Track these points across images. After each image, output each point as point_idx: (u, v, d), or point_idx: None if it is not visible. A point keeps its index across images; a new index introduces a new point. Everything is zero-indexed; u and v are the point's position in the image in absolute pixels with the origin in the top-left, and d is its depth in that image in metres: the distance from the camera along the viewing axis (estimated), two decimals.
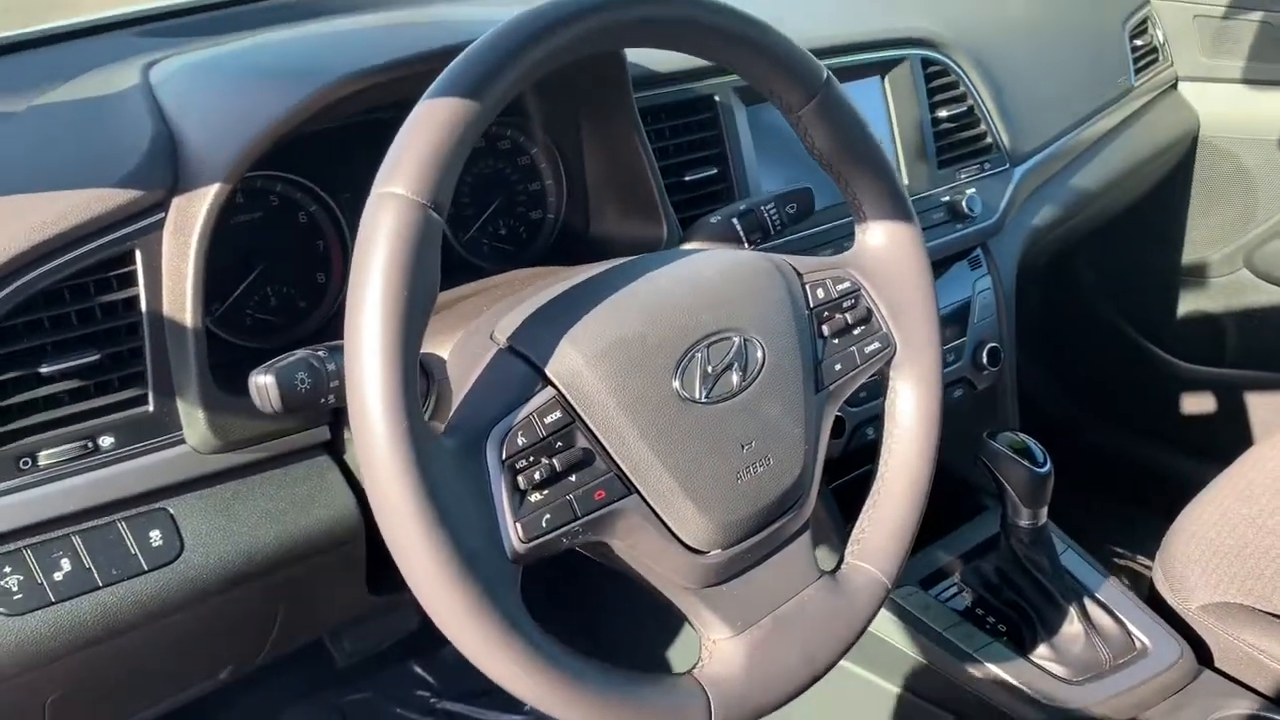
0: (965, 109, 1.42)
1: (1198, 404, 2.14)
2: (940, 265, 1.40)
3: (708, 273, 0.83)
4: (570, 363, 0.74)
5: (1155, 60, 1.91)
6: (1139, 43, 1.87)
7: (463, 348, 0.81)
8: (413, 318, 0.64)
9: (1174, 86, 1.96)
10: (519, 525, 0.69)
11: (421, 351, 0.84)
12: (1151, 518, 1.47)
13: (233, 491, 0.91)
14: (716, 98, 1.20)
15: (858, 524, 0.92)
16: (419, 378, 0.83)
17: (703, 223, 1.02)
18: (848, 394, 0.90)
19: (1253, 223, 1.96)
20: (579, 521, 0.72)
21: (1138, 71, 1.83)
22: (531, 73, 0.70)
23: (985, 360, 1.41)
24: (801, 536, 0.86)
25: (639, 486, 0.75)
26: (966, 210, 1.38)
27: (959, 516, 1.43)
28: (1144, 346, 2.15)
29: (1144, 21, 1.90)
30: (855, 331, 0.90)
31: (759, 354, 0.81)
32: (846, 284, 0.91)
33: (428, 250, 0.65)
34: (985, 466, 1.27)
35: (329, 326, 1.04)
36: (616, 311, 0.78)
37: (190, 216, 0.85)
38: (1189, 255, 2.06)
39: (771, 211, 1.02)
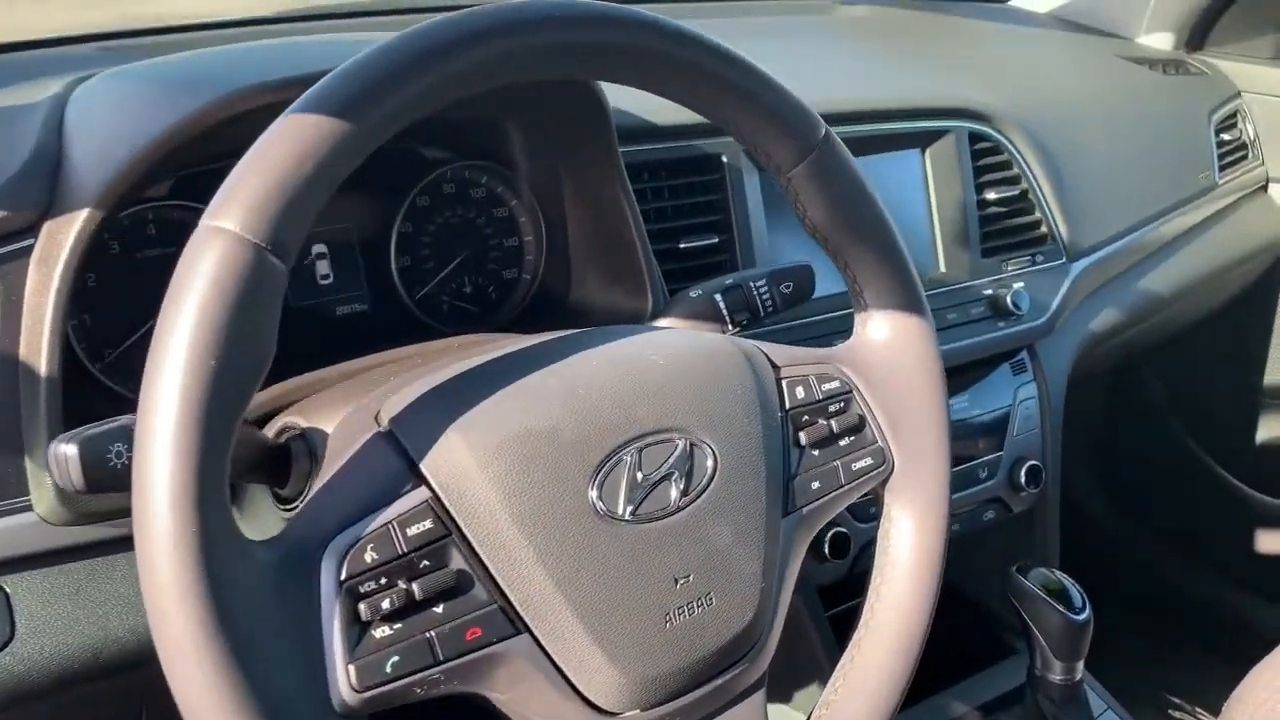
0: (1017, 192, 1.26)
1: (1275, 543, 1.90)
2: (978, 367, 1.23)
3: (656, 356, 0.68)
4: (455, 457, 0.58)
5: (1244, 158, 1.72)
6: (1226, 137, 1.68)
7: (345, 427, 0.65)
8: (223, 386, 0.49)
9: (1264, 188, 1.77)
10: (353, 668, 0.53)
11: (309, 426, 0.71)
12: (1216, 668, 1.27)
13: (86, 572, 0.77)
14: (724, 158, 1.06)
15: (830, 681, 0.74)
16: (303, 457, 0.69)
17: (681, 297, 0.87)
18: (827, 518, 0.73)
19: None
20: (441, 667, 0.56)
21: (1223, 169, 1.65)
22: (428, 97, 0.56)
23: (1024, 480, 1.22)
24: (752, 696, 0.69)
25: (531, 624, 0.59)
26: (1012, 307, 1.20)
27: (982, 658, 1.24)
28: (1217, 474, 1.93)
29: (1233, 115, 1.72)
30: (842, 442, 0.74)
31: (709, 463, 0.65)
32: (835, 383, 0.75)
33: (258, 302, 0.51)
34: (1013, 607, 1.08)
35: None
36: (528, 397, 0.62)
37: (57, 245, 0.72)
38: (1271, 376, 1.84)
39: (763, 289, 0.86)
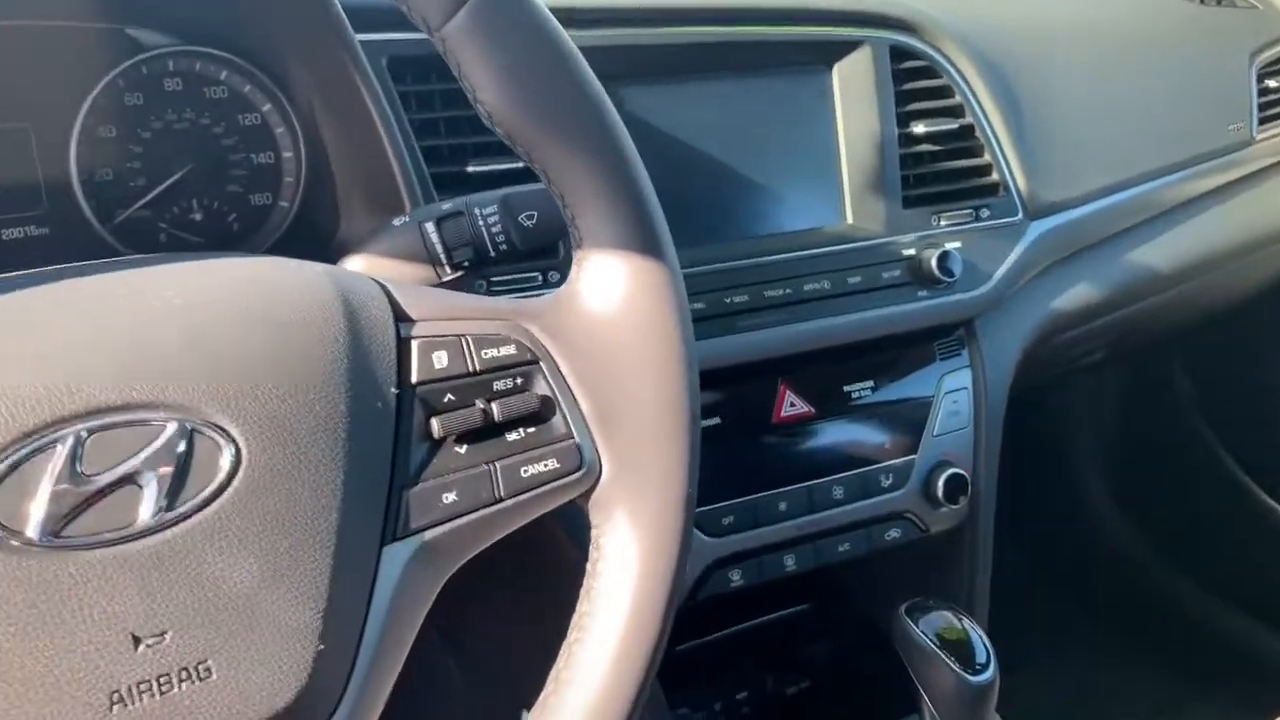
0: (956, 127, 0.99)
1: None
2: (891, 346, 0.97)
3: (175, 295, 0.45)
4: None
5: None
6: (1273, 84, 1.37)
7: None
8: None
9: None
10: None
11: None
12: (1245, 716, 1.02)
13: None
14: None
15: None
16: None
17: (383, 226, 0.64)
18: (475, 548, 0.50)
19: None
20: None
21: (1263, 122, 1.34)
22: None
23: (942, 492, 0.96)
24: None
25: None
26: (937, 271, 0.94)
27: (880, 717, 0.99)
28: (1251, 492, 1.62)
29: None
30: (510, 436, 0.50)
31: (223, 460, 0.42)
32: (510, 349, 0.51)
33: None
34: (897, 657, 0.84)
35: None
36: None
37: None
38: None
39: (493, 219, 0.62)
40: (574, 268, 0.53)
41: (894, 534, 0.96)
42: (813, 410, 0.93)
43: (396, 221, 0.63)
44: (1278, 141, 1.37)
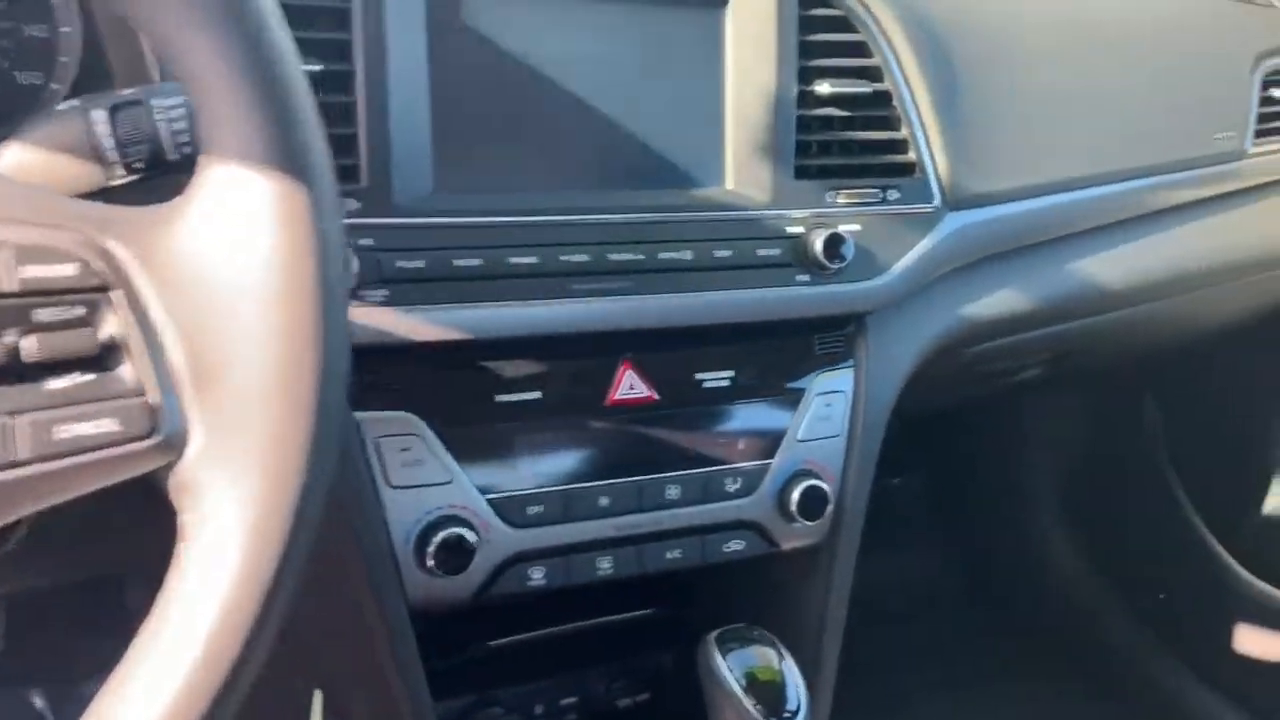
0: (870, 91, 0.86)
1: (1272, 644, 1.46)
2: (760, 334, 0.84)
3: None
4: None
5: None
6: (1276, 94, 1.22)
7: None
8: None
9: None
10: None
11: None
12: None
13: None
14: None
15: None
16: None
17: (48, 110, 0.53)
18: None
19: None
20: None
21: (1260, 135, 1.19)
22: None
23: (797, 505, 0.84)
24: None
25: None
26: (823, 255, 0.81)
27: None
28: (1209, 547, 1.49)
29: None
30: (48, 385, 0.39)
31: None
32: (69, 270, 0.40)
33: None
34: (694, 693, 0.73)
35: None
36: None
37: None
38: None
39: (176, 114, 0.51)
40: (192, 180, 0.42)
41: (736, 545, 0.84)
42: (654, 396, 0.81)
43: (62, 106, 0.52)
44: (1276, 159, 1.22)
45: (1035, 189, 0.96)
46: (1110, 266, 1.05)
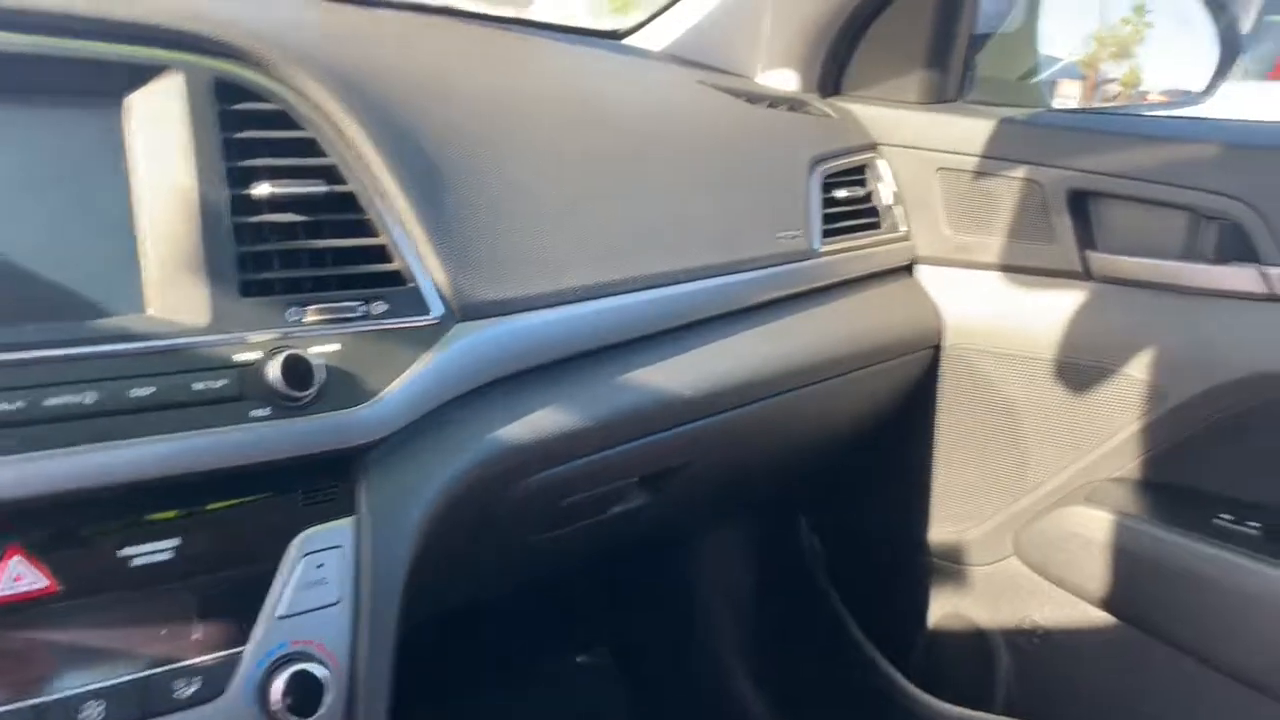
0: (324, 193, 0.74)
1: None
2: (209, 487, 0.67)
3: None
4: None
5: (872, 225, 1.27)
6: (842, 194, 1.23)
7: None
8: None
9: (907, 268, 1.31)
10: None
11: None
12: None
13: None
14: None
15: None
16: None
17: None
18: None
19: (1022, 488, 1.26)
20: None
21: (829, 234, 1.18)
22: None
23: (283, 700, 0.66)
24: None
25: None
26: (282, 384, 0.66)
27: None
28: (879, 667, 1.40)
29: (858, 170, 1.27)
30: None
31: None
32: None
33: None
34: None
35: None
36: None
37: None
38: (938, 533, 1.34)
39: None
40: None
41: None
42: (52, 585, 0.62)
43: None
44: (853, 257, 1.21)
45: (563, 294, 0.86)
46: (680, 374, 0.96)
